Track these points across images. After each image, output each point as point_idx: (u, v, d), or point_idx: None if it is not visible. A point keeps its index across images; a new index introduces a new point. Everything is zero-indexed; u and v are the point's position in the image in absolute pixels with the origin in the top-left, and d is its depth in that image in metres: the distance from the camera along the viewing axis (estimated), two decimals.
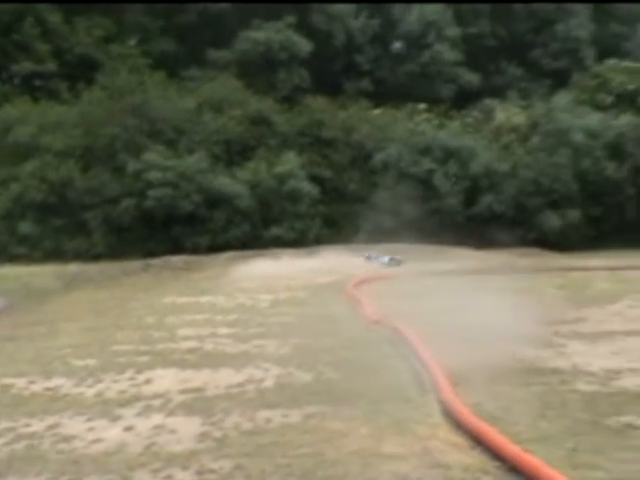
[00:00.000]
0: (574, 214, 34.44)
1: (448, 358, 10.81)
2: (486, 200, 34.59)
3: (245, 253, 31.42)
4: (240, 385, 9.93)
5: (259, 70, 41.09)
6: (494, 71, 44.54)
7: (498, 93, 41.53)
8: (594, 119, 36.57)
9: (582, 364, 10.78)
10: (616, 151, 35.42)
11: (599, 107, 38.46)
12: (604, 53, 42.91)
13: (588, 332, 13.40)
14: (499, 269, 25.95)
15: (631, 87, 39.33)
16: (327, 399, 9.07)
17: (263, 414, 8.54)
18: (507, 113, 38.36)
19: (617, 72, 40.30)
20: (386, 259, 28.60)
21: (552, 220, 34.18)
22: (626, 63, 40.99)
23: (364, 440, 7.49)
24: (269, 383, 10.04)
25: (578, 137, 35.43)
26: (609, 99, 39.24)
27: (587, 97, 39.37)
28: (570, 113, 36.54)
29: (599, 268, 26.13)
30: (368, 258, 29.27)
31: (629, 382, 9.67)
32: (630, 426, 7.77)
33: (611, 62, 41.19)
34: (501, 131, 37.61)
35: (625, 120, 36.61)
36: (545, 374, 10.14)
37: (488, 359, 10.89)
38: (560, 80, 41.64)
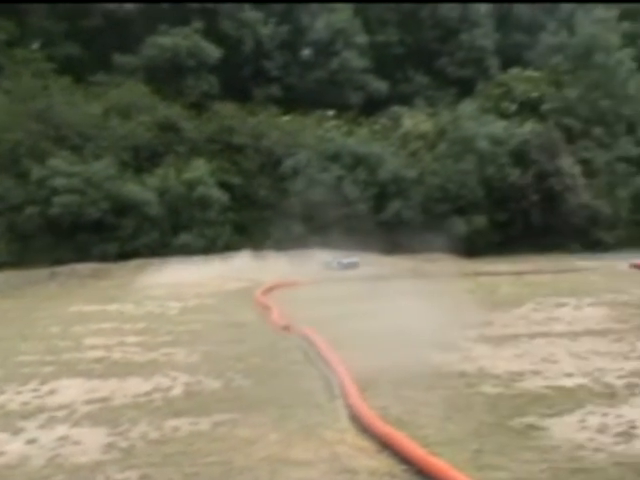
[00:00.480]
0: (480, 220, 35.20)
1: (357, 363, 10.91)
2: (395, 206, 35.04)
3: (154, 260, 31.05)
4: (148, 394, 9.80)
5: (167, 76, 40.66)
6: (402, 79, 45.13)
7: (406, 100, 42.11)
8: (499, 127, 37.49)
9: (488, 367, 11.02)
10: (520, 158, 36.37)
11: (503, 115, 39.45)
12: (507, 62, 43.97)
13: (494, 335, 13.71)
14: (407, 274, 26.33)
15: (534, 95, 40.47)
16: (236, 406, 9.04)
17: (171, 423, 8.45)
18: (414, 120, 38.97)
19: (520, 81, 41.41)
20: (345, 261, 29.56)
21: (459, 226, 34.84)
22: (528, 72, 42.14)
23: (273, 446, 7.48)
24: (177, 391, 9.95)
25: (483, 144, 36.25)
26: (513, 107, 40.29)
27: (492, 105, 40.33)
28: (475, 121, 37.36)
29: (505, 273, 26.80)
30: (329, 263, 30.09)
31: (531, 383, 9.94)
32: (532, 427, 7.98)
33: (514, 71, 42.28)
34: (409, 138, 38.18)
35: (528, 127, 37.65)
36: (452, 377, 10.33)
37: (396, 363, 11.02)
38: (466, 88, 42.48)
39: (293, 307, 17.90)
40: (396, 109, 40.91)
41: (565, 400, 9.03)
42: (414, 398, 9.17)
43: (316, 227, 34.82)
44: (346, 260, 29.80)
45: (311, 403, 9.01)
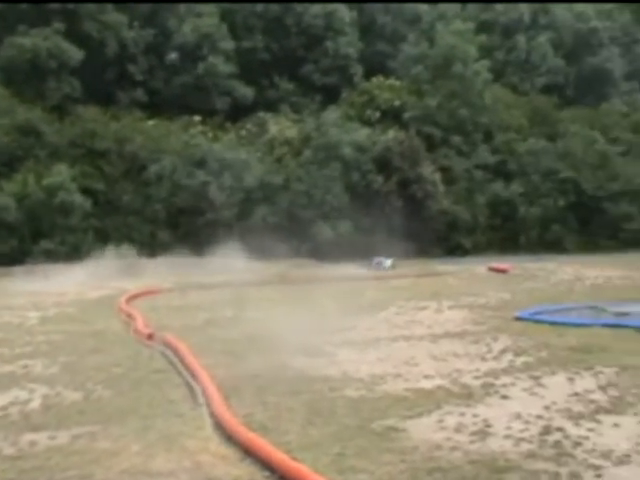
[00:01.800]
0: (345, 225, 35.68)
1: (221, 370, 10.89)
2: (260, 212, 35.09)
3: (13, 269, 29.95)
4: (4, 408, 9.45)
5: (26, 78, 39.27)
6: (267, 85, 45.22)
7: (271, 107, 42.23)
8: (362, 134, 38.13)
9: (351, 371, 11.21)
10: (383, 165, 37.10)
11: (367, 122, 40.16)
12: (371, 71, 44.75)
13: (358, 340, 13.95)
14: (274, 280, 26.43)
15: (396, 103, 41.36)
16: (96, 418, 8.84)
17: (28, 437, 8.18)
18: (280, 126, 39.13)
19: (383, 89, 42.25)
20: (388, 262, 30.92)
21: (325, 231, 35.22)
22: (391, 80, 43.05)
23: (134, 458, 7.35)
24: (35, 404, 9.64)
25: (347, 151, 36.80)
26: (376, 115, 41.04)
27: (355, 113, 40.99)
28: (340, 128, 37.89)
29: (370, 278, 27.30)
30: (378, 264, 30.94)
31: (392, 386, 10.18)
32: (392, 429, 8.18)
33: (377, 80, 43.09)
34: (274, 144, 38.31)
35: (391, 135, 38.45)
36: (315, 382, 10.44)
37: (260, 370, 11.07)
38: (330, 95, 43.00)
39: (158, 315, 17.65)
40: (262, 115, 40.99)
41: (424, 401, 9.30)
42: (279, 404, 9.23)
43: (182, 233, 34.50)
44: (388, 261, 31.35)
45: (174, 412, 8.91)
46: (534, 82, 47.88)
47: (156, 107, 40.98)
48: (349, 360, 12.01)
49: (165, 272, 28.28)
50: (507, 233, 39.26)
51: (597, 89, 49.32)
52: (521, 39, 48.35)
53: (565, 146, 41.46)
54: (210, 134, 38.74)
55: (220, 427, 8.17)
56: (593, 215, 39.99)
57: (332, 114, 39.19)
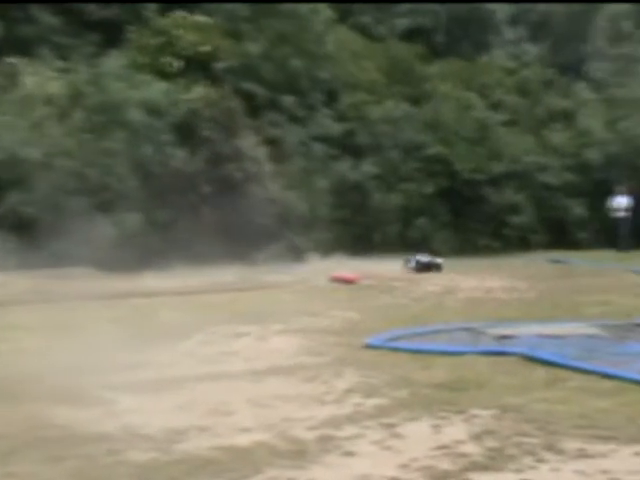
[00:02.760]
0: (134, 219, 35.30)
1: None
2: (9, 200, 34.14)
3: None
4: None
5: None
6: (21, 18, 44.12)
7: (26, 49, 41.18)
8: (157, 91, 37.78)
9: (138, 425, 11.13)
10: (187, 135, 36.95)
11: (164, 75, 39.81)
12: (170, 2, 44.44)
13: (148, 380, 13.88)
14: (27, 298, 25.79)
15: (205, 49, 41.25)
16: None
17: None
18: (39, 78, 38.22)
19: (186, 28, 42.01)
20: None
21: (104, 227, 34.69)
22: (197, 17, 42.87)
23: None
24: None
25: (136, 114, 36.39)
26: (177, 64, 40.80)
27: (148, 61, 40.55)
28: (125, 82, 37.40)
29: (168, 292, 27.18)
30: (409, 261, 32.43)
31: (195, 444, 10.18)
32: None
33: (178, 15, 42.79)
34: (30, 103, 37.38)
35: (198, 93, 38.31)
36: (87, 442, 10.32)
37: (5, 427, 10.82)
38: (111, 35, 42.31)
39: None
40: (12, 61, 39.93)
41: (239, 465, 9.36)
42: (34, 475, 9.05)
43: None
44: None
45: None
46: (393, 25, 49.04)
47: None
48: (135, 410, 11.94)
49: None
50: (357, 229, 39.94)
51: (474, 36, 51.12)
52: None
53: (433, 112, 42.66)
54: None
55: None
56: (470, 206, 41.36)
57: (114, 62, 38.68)
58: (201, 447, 10.06)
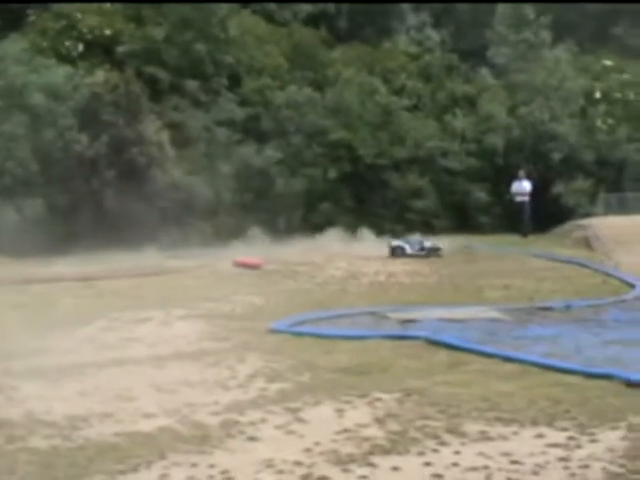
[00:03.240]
0: (35, 205, 34.86)
1: None
2: None
3: None
4: None
5: None
6: None
7: None
8: (58, 74, 37.34)
9: (39, 412, 11.06)
10: (89, 119, 36.56)
11: (65, 58, 39.37)
12: None
13: (50, 367, 13.76)
14: None
15: (107, 33, 40.90)
16: None
17: None
18: None
19: (87, 12, 41.60)
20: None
21: (6, 213, 34.22)
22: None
23: None
24: None
25: (37, 98, 35.92)
26: (78, 48, 40.37)
27: (49, 44, 40.06)
28: (25, 65, 36.88)
29: (69, 278, 26.87)
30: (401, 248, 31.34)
31: (98, 431, 10.15)
32: None
33: None
34: None
35: (100, 77, 37.93)
36: None
37: None
38: (12, 19, 41.69)
39: None
40: None
41: (142, 450, 9.36)
42: None
43: None
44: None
45: None
46: (296, 10, 49.02)
47: None
48: (36, 396, 11.83)
49: None
50: (262, 214, 39.84)
51: (378, 21, 51.31)
52: None
53: (336, 97, 42.75)
54: None
55: None
56: (373, 190, 41.60)
57: (14, 45, 38.08)
58: (104, 433, 10.03)
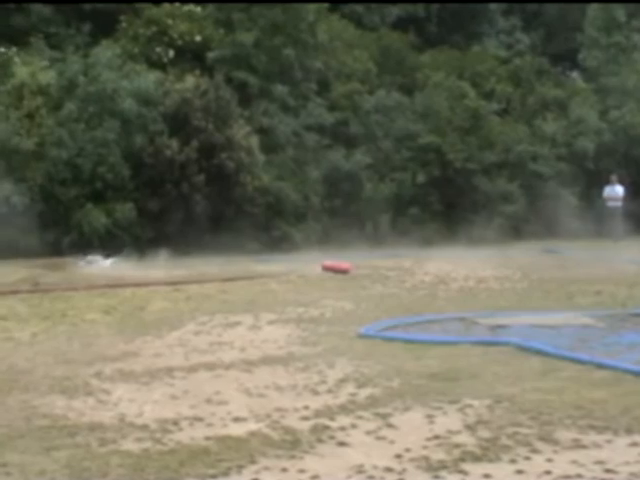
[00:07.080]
0: (126, 209, 35.25)
1: None
2: (3, 190, 34.07)
3: None
4: None
5: None
6: (13, 8, 44.03)
7: (19, 39, 41.10)
8: (149, 80, 37.71)
9: (130, 415, 11.11)
10: (179, 124, 36.87)
11: (156, 64, 39.78)
12: None
13: (140, 371, 13.84)
14: (19, 288, 25.62)
15: (197, 39, 41.23)
16: None
17: None
18: (32, 68, 38.12)
19: (178, 18, 41.96)
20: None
21: (96, 217, 34.66)
22: (190, 7, 42.82)
23: None
24: None
25: (128, 104, 36.31)
26: (169, 54, 40.76)
27: (140, 50, 40.51)
28: (117, 72, 37.32)
29: (158, 282, 27.11)
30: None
31: (189, 434, 10.16)
32: None
33: (170, 5, 42.70)
34: (23, 93, 37.28)
35: (190, 83, 38.25)
36: (80, 432, 10.29)
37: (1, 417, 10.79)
38: (104, 25, 42.26)
39: None
40: (4, 51, 39.85)
41: (233, 454, 9.33)
42: (25, 466, 9.00)
43: None
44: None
45: None
46: (385, 14, 48.98)
47: None
48: (127, 400, 11.91)
49: None
50: (349, 219, 39.87)
51: (467, 26, 51.09)
52: None
53: (425, 101, 42.63)
54: None
55: None
56: (462, 195, 41.36)
57: (106, 52, 38.57)
58: (195, 437, 10.04)
